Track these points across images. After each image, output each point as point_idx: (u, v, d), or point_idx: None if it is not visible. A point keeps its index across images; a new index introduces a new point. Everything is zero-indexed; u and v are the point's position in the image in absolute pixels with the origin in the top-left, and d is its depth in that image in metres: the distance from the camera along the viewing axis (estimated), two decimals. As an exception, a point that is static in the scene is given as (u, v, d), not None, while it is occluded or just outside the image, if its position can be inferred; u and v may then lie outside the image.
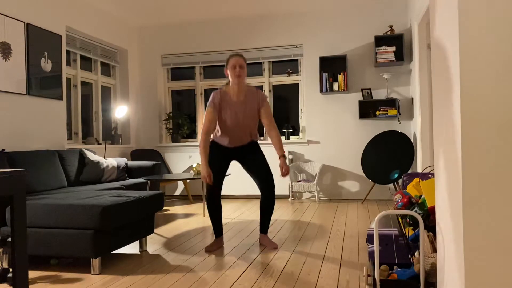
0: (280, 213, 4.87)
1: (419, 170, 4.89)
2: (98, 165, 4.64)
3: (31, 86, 4.40)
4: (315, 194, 5.84)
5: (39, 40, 4.52)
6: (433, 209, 2.02)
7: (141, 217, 3.08)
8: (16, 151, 3.90)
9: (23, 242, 1.72)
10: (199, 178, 4.14)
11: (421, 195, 2.30)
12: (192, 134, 6.62)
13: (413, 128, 5.40)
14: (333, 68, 5.84)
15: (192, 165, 6.32)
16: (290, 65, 6.24)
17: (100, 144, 5.75)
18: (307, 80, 6.00)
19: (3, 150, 3.83)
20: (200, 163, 4.36)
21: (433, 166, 3.81)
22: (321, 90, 5.76)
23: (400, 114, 5.56)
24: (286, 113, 6.39)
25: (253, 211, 5.01)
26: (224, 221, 4.46)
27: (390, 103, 5.57)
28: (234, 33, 6.25)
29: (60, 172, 4.25)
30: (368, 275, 2.09)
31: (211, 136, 3.37)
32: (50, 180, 4.07)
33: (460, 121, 1.22)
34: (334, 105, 5.89)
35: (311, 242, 3.43)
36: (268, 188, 3.27)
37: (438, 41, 1.53)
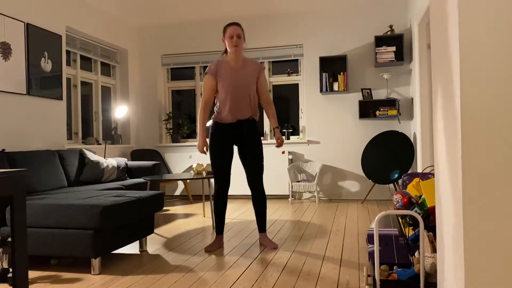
0: (280, 213, 4.87)
1: (419, 170, 4.89)
2: (98, 165, 4.64)
3: (31, 86, 4.40)
4: (315, 194, 5.84)
5: (39, 40, 4.52)
6: (433, 209, 2.02)
7: (141, 217, 3.08)
8: (16, 151, 3.90)
9: (23, 242, 1.72)
10: (199, 178, 4.13)
11: (421, 195, 2.30)
12: (192, 134, 6.62)
13: (413, 128, 5.40)
14: (333, 68, 5.84)
15: (192, 165, 6.32)
16: (290, 65, 6.24)
17: (100, 144, 5.75)
18: (307, 80, 6.00)
19: (3, 150, 3.83)
20: (200, 163, 4.36)
21: (433, 166, 3.81)
22: (321, 90, 5.76)
23: (400, 114, 5.56)
24: (286, 113, 6.39)
25: (253, 211, 5.01)
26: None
27: (390, 103, 5.57)
28: (234, 33, 6.24)
29: (60, 172, 4.26)
30: (368, 275, 2.09)
31: (212, 118, 3.36)
32: (50, 180, 4.07)
33: (460, 121, 1.22)
34: (334, 105, 5.89)
35: (311, 242, 3.43)
36: (254, 182, 3.28)
37: (438, 41, 1.53)
